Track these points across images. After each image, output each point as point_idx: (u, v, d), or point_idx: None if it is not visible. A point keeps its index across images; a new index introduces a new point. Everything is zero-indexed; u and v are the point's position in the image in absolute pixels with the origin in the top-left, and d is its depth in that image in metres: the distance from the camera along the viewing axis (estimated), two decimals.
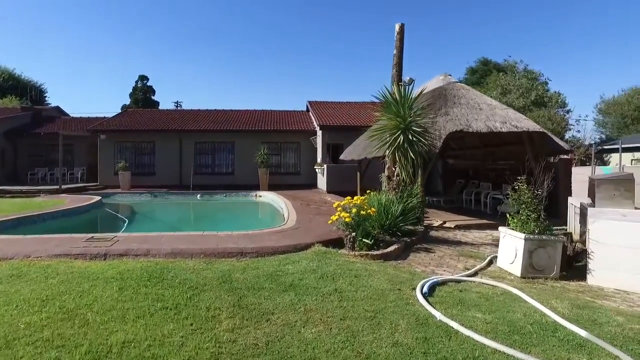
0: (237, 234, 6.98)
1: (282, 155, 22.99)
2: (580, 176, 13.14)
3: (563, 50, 58.93)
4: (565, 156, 12.67)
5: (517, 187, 6.00)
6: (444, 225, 10.77)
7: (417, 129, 7.36)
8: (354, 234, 6.19)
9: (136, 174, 20.82)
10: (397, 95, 7.47)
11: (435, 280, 4.79)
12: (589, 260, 5.48)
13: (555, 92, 25.69)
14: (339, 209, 6.63)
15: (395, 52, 9.62)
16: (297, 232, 7.44)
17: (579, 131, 25.18)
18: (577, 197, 11.44)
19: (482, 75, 33.20)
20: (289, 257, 5.67)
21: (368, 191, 8.27)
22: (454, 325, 3.52)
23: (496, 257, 6.62)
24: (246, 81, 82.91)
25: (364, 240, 6.19)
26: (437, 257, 6.44)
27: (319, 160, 20.59)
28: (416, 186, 8.13)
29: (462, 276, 5.29)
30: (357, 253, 5.88)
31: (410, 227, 7.70)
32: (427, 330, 3.46)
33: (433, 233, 9.14)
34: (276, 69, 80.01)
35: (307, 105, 25.13)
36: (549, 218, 11.42)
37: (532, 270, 5.50)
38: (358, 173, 16.32)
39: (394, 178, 7.89)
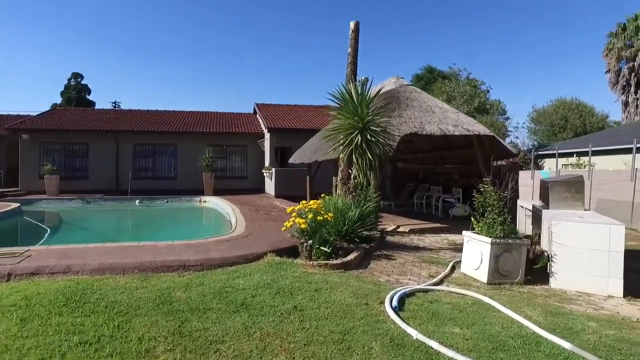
0: (179, 243, 6.17)
1: (228, 159, 22.00)
2: (522, 180, 13.59)
3: (501, 60, 62.68)
4: (513, 160, 13.00)
5: (482, 189, 5.77)
6: (398, 230, 10.54)
7: (376, 129, 7.01)
8: (310, 241, 5.65)
9: (66, 178, 18.86)
10: (354, 93, 7.08)
11: (403, 291, 4.37)
12: (552, 263, 5.34)
13: (496, 100, 27.06)
14: (293, 214, 6.08)
15: (349, 50, 9.26)
16: (247, 240, 6.77)
17: (517, 137, 26.62)
18: (526, 200, 11.72)
19: (427, 82, 34.18)
20: (239, 270, 5.01)
21: (323, 195, 7.79)
22: (434, 345, 3.08)
23: (458, 262, 6.38)
24: (190, 83, 79.89)
25: (321, 248, 5.67)
26: (399, 265, 6.07)
27: (266, 163, 19.89)
28: (371, 190, 7.76)
29: (429, 285, 4.93)
30: (314, 263, 5.34)
31: (367, 233, 7.30)
32: (404, 352, 2.99)
33: (389, 238, 8.83)
34: (221, 71, 77.95)
35: (254, 108, 24.33)
36: None
37: (498, 276, 5.26)
38: (308, 177, 15.84)
39: (351, 181, 7.47)
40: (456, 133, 10.66)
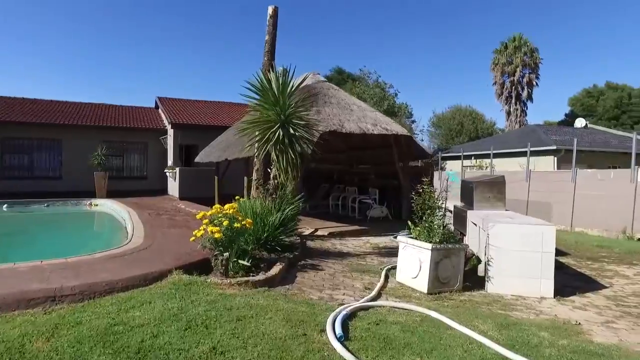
0: (50, 263, 4.73)
1: (126, 157, 19.56)
2: (435, 181, 13.95)
3: (407, 65, 66.57)
4: (427, 160, 13.23)
5: (421, 191, 5.33)
6: (317, 234, 9.94)
7: (299, 122, 6.26)
8: (226, 254, 4.68)
9: None
10: (274, 82, 6.25)
11: (344, 313, 3.66)
12: (488, 267, 5.09)
13: (403, 103, 28.25)
14: (204, 221, 5.04)
15: (267, 37, 8.39)
16: (147, 254, 5.52)
17: (422, 140, 28.06)
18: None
19: (337, 83, 34.48)
20: (135, 296, 3.86)
21: (237, 197, 6.82)
22: None
23: (390, 269, 5.91)
24: (82, 71, 71.00)
25: (240, 262, 4.74)
26: (329, 276, 5.38)
27: (170, 162, 18.04)
28: (292, 191, 6.99)
29: (369, 301, 4.30)
30: (232, 280, 4.39)
31: (289, 240, 6.52)
32: None
33: (309, 243, 8.16)
34: (119, 60, 70.82)
35: (156, 102, 22.06)
36: (407, 218, 11.67)
37: (438, 284, 4.84)
38: (216, 177, 14.58)
39: (270, 182, 6.61)
40: (375, 132, 10.42)
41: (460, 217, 7.67)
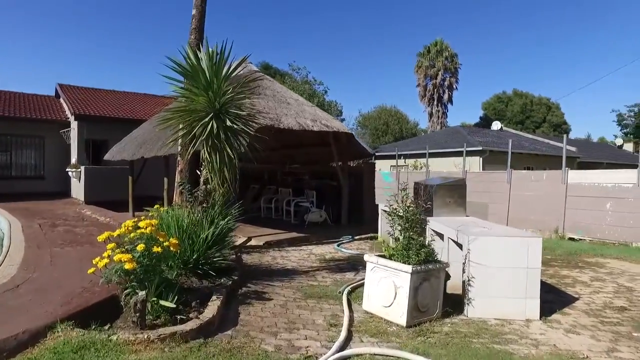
0: None
1: (16, 153, 16.44)
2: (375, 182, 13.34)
3: (337, 63, 66.90)
4: (366, 160, 12.56)
5: (398, 200, 4.40)
6: (251, 244, 8.72)
7: (241, 112, 5.03)
8: (142, 293, 3.32)
9: None
10: (206, 61, 4.95)
11: None
12: (469, 288, 4.32)
13: (333, 101, 27.77)
14: (109, 245, 3.63)
15: (194, 12, 7.00)
16: (18, 296, 3.89)
17: None
18: (388, 203, 11.30)
19: None
20: None
21: (157, 206, 5.39)
22: None
23: (351, 292, 4.93)
24: None
25: (162, 302, 3.42)
26: (280, 309, 4.23)
27: (73, 160, 15.43)
28: (219, 197, 5.70)
29: (341, 347, 3.25)
30: (152, 335, 3.05)
31: (225, 262, 5.23)
32: None
33: (246, 258, 6.93)
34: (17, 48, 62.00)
35: (56, 90, 18.95)
36: (355, 225, 10.87)
37: (417, 314, 3.95)
38: (130, 177, 12.61)
39: (201, 187, 5.28)
40: (315, 128, 9.43)
41: None
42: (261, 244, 8.60)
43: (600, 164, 26.80)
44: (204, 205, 5.06)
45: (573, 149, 27.03)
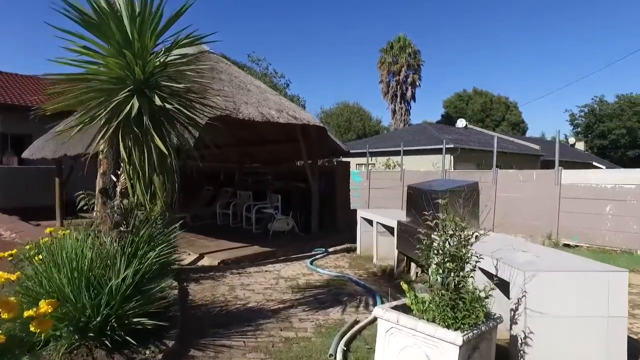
0: None
1: None
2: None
3: (298, 56, 65.16)
4: (341, 159, 11.02)
5: (431, 221, 2.86)
6: (203, 263, 6.99)
7: (177, 86, 3.31)
8: None
9: None
10: (124, 5, 3.18)
11: None
12: (525, 349, 2.86)
13: (296, 96, 26.11)
14: None
15: None
16: None
17: None
18: (367, 209, 9.73)
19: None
20: None
21: (50, 230, 3.56)
22: None
23: (345, 350, 3.35)
24: None
25: None
26: None
27: None
28: (148, 215, 3.91)
29: None
30: None
31: (150, 322, 3.46)
32: None
33: (193, 289, 5.19)
34: None
35: None
36: (328, 234, 9.31)
37: None
38: (57, 179, 10.39)
39: (116, 200, 3.47)
40: (281, 120, 7.77)
41: (411, 240, 5.51)
42: (216, 263, 6.87)
43: (561, 162, 27.02)
44: (122, 228, 3.28)
45: (537, 147, 27.02)
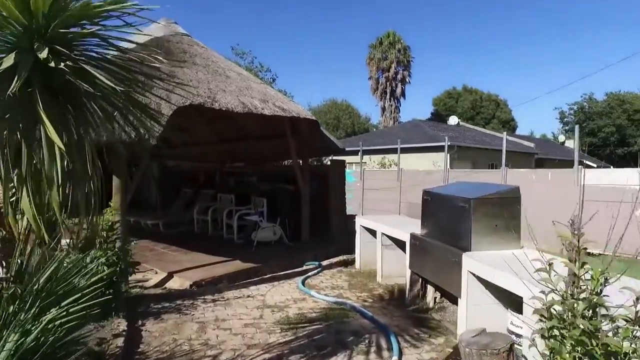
0: None
1: None
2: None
3: (285, 50, 63.81)
4: (336, 158, 9.81)
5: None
6: (171, 286, 5.76)
7: (108, 53, 2.07)
8: None
9: None
10: None
11: None
12: None
13: (282, 91, 24.80)
14: None
15: None
16: None
17: None
18: (366, 217, 8.53)
19: None
20: None
21: None
22: None
23: None
24: None
25: None
26: None
27: None
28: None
29: None
30: None
31: None
32: None
33: (148, 332, 3.92)
34: None
35: None
36: (320, 243, 8.11)
37: None
38: None
39: None
40: (266, 112, 6.55)
41: (428, 258, 4.37)
42: (187, 285, 5.64)
43: (554, 160, 26.30)
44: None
45: (532, 145, 26.26)
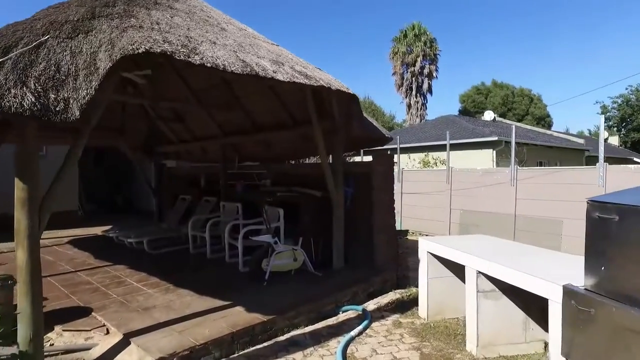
0: None
1: None
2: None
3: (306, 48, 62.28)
4: (382, 150, 7.34)
5: None
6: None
7: None
8: None
9: None
10: None
11: None
12: None
13: None
14: None
15: None
16: None
17: None
18: (458, 241, 5.91)
19: None
20: None
21: None
22: None
23: None
24: None
25: None
26: None
27: None
28: None
29: None
30: None
31: None
32: None
33: None
34: None
35: None
36: (359, 271, 5.66)
37: None
38: None
39: None
40: (280, 76, 4.10)
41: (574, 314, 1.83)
42: None
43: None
44: None
45: (581, 141, 23.31)
